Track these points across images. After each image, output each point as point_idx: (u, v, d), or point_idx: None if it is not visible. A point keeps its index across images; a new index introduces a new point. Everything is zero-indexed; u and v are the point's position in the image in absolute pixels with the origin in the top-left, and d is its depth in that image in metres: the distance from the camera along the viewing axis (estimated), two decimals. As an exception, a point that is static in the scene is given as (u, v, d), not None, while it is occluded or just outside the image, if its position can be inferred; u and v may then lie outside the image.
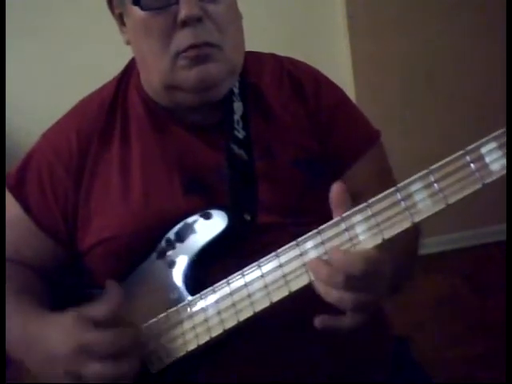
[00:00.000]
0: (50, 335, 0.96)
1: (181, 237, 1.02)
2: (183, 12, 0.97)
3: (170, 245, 1.03)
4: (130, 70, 1.15)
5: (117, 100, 1.12)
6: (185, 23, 0.98)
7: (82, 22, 2.36)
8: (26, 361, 1.01)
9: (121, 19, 1.08)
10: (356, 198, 1.07)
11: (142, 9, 1.00)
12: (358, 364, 1.07)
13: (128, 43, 1.09)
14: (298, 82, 1.14)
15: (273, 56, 1.19)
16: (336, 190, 0.86)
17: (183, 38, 0.99)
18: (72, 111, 1.16)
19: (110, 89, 1.14)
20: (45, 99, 2.42)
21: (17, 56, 2.43)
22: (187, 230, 1.02)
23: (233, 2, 1.06)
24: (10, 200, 1.11)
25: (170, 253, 1.03)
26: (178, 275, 1.02)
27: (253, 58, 1.14)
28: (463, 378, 2.05)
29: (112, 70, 1.18)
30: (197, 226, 1.02)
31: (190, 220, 1.02)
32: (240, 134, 1.07)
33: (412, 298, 2.44)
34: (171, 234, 1.03)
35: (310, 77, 1.15)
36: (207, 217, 1.01)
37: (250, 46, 1.12)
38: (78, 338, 0.92)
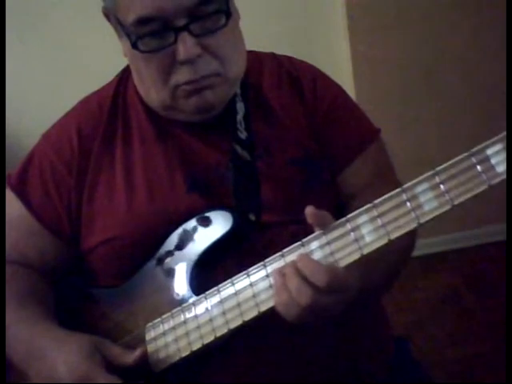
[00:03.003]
0: (59, 357, 0.98)
1: (181, 246, 1.03)
2: (182, 54, 0.97)
3: (169, 253, 1.03)
4: (129, 71, 1.14)
5: (117, 101, 1.13)
6: (183, 62, 0.98)
7: (82, 23, 2.35)
8: (31, 372, 1.02)
9: (117, 31, 1.06)
10: (356, 195, 1.08)
11: (141, 52, 0.99)
12: (358, 364, 1.07)
13: (126, 55, 1.08)
14: (297, 80, 1.14)
15: (272, 55, 1.19)
16: (309, 213, 0.87)
17: (182, 74, 0.99)
18: (72, 111, 1.16)
19: (110, 90, 1.14)
20: (44, 99, 2.42)
21: (17, 56, 2.42)
22: (187, 239, 1.02)
23: (232, 20, 1.02)
24: (12, 200, 1.11)
25: (168, 259, 1.03)
26: (182, 276, 1.02)
27: (252, 57, 1.14)
28: (463, 378, 2.05)
29: (112, 70, 1.18)
30: (196, 235, 1.02)
31: (189, 227, 1.02)
32: (242, 135, 1.08)
33: (412, 297, 2.45)
34: (171, 245, 1.03)
35: (308, 75, 1.15)
36: (206, 224, 1.02)
37: (250, 45, 1.12)
38: (87, 373, 0.95)
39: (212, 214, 1.02)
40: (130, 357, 0.98)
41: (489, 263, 2.59)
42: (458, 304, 2.41)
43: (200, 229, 1.02)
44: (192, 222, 1.02)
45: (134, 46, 0.99)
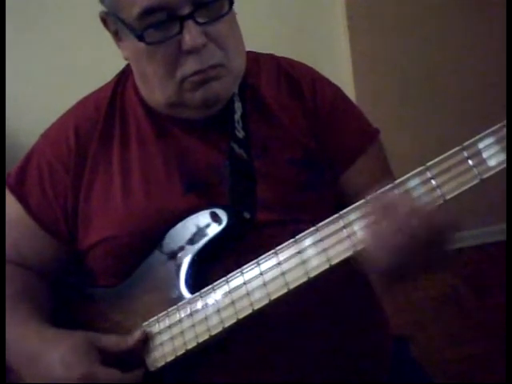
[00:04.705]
0: (54, 357, 0.98)
1: (193, 241, 1.02)
2: (188, 43, 0.97)
3: (182, 248, 1.03)
4: (128, 71, 1.14)
5: (115, 101, 1.13)
6: (189, 51, 0.98)
7: (82, 23, 2.34)
8: (24, 374, 1.01)
9: (117, 35, 1.06)
10: (356, 196, 1.07)
11: (147, 44, 0.99)
12: (358, 364, 1.07)
13: (127, 59, 1.08)
14: (296, 81, 1.14)
15: (270, 56, 1.19)
16: None
17: (189, 64, 0.99)
18: (70, 111, 1.16)
19: (108, 90, 1.14)
20: (44, 99, 2.42)
21: (17, 56, 2.43)
22: (200, 235, 1.02)
23: (231, 13, 1.03)
24: (10, 201, 1.11)
25: (179, 254, 1.03)
26: (178, 274, 1.02)
27: (251, 57, 1.14)
28: (463, 378, 2.05)
29: (111, 71, 1.18)
30: (209, 230, 1.02)
31: (202, 224, 1.02)
32: (240, 134, 1.07)
33: (412, 297, 2.45)
34: (183, 241, 1.03)
35: (306, 76, 1.15)
36: (219, 222, 1.01)
37: (250, 45, 1.12)
38: (85, 367, 0.95)
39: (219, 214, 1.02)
40: (130, 339, 0.98)
41: (489, 263, 2.59)
42: (457, 304, 2.40)
43: (213, 225, 1.02)
44: (206, 219, 1.02)
45: (141, 38, 0.98)
